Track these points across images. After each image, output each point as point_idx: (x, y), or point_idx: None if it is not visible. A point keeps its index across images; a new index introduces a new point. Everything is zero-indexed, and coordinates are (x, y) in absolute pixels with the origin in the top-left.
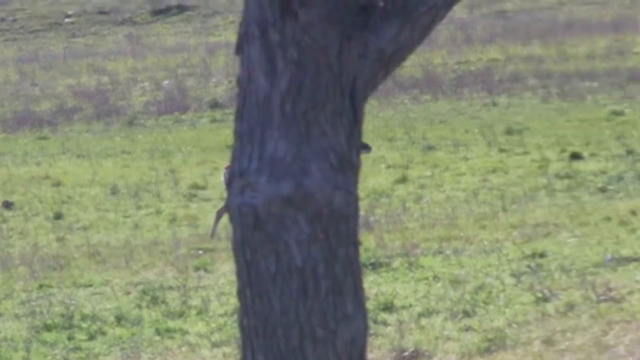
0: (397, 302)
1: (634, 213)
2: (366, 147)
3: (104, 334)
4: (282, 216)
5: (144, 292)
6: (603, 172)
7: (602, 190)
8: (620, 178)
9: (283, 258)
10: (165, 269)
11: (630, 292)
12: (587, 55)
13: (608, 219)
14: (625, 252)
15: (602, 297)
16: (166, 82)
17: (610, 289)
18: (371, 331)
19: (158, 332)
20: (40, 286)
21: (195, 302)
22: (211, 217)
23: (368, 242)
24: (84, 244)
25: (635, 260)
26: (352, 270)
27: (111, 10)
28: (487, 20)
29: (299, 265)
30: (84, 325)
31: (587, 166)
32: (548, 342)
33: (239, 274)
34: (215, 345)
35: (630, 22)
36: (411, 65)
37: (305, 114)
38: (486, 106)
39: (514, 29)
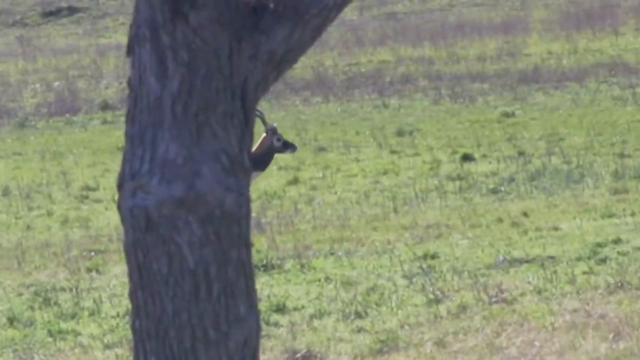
0: (289, 304)
1: (525, 214)
2: (292, 147)
3: None
4: (174, 218)
5: (36, 293)
6: (494, 174)
7: (494, 191)
8: (511, 179)
9: (175, 260)
10: (58, 271)
11: (522, 294)
12: (477, 56)
13: (500, 220)
14: (516, 253)
15: (494, 299)
16: (57, 83)
17: (502, 291)
18: (263, 333)
19: (50, 333)
20: None
21: (88, 303)
22: (103, 219)
23: (260, 243)
24: None
25: (527, 261)
26: (245, 272)
27: (1, 12)
28: (378, 21)
29: (191, 267)
30: None
31: (478, 168)
32: (440, 343)
33: (131, 276)
34: (107, 347)
35: (520, 23)
36: (302, 67)
37: (197, 116)
38: (377, 108)
39: (404, 30)
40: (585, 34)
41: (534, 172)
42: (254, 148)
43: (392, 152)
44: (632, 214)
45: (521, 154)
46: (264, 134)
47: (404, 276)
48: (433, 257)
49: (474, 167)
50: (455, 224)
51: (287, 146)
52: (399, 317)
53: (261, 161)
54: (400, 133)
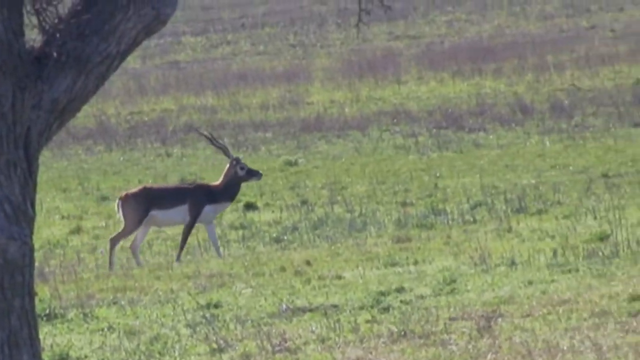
0: (73, 353)
1: (308, 263)
2: (257, 175)
3: None
4: None
5: None
6: (277, 222)
7: (277, 240)
8: (294, 228)
9: None
10: None
11: (306, 343)
12: (260, 105)
13: (283, 269)
14: (300, 302)
15: (277, 348)
16: None
17: (285, 340)
18: None
19: None
20: None
21: None
22: None
23: (43, 292)
24: None
25: (310, 310)
26: (28, 321)
27: None
28: (161, 70)
29: None
30: None
31: (261, 216)
32: None
33: None
34: None
35: (303, 72)
36: (84, 116)
37: None
38: (160, 157)
39: (187, 79)
40: (367, 82)
41: (316, 220)
42: (219, 180)
43: None
44: (415, 263)
45: (304, 202)
46: (228, 165)
47: (187, 325)
48: (216, 306)
49: (257, 216)
50: (238, 273)
51: (252, 174)
52: None
53: (228, 192)
54: (183, 182)
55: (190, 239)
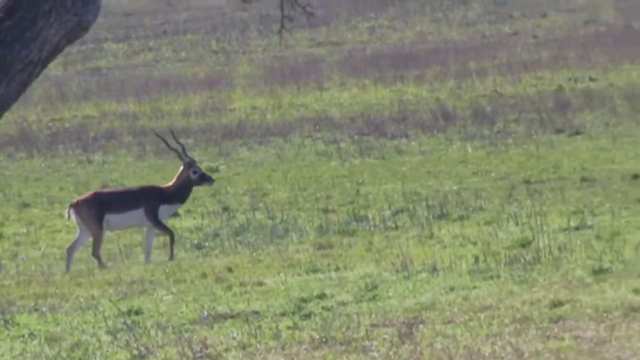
0: None
1: (230, 270)
2: (209, 180)
3: None
4: None
5: None
6: (199, 229)
7: (198, 246)
8: (216, 234)
9: None
10: None
11: (227, 349)
12: (182, 112)
13: (204, 275)
14: (221, 308)
15: (198, 354)
16: None
17: (206, 346)
18: None
19: None
20: None
21: None
22: None
23: None
24: None
25: (231, 316)
26: None
27: None
28: (82, 77)
29: None
30: None
31: (182, 223)
32: None
33: None
34: None
35: (224, 79)
36: (5, 123)
37: None
38: (81, 163)
39: (108, 85)
40: (289, 89)
41: (238, 227)
42: (171, 182)
43: None
44: (337, 269)
45: (225, 209)
46: (181, 167)
47: (108, 332)
48: (137, 312)
49: (178, 223)
50: (159, 280)
51: (204, 179)
52: None
53: (180, 194)
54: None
55: (110, 246)
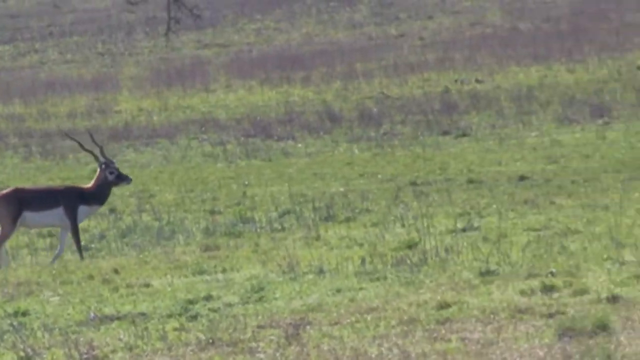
0: None
1: (116, 271)
2: (127, 179)
3: None
4: None
5: None
6: (85, 230)
7: (85, 248)
8: (102, 236)
9: None
10: None
11: (114, 351)
12: (68, 113)
13: (91, 277)
14: (107, 310)
15: (85, 356)
16: None
17: (93, 348)
18: None
19: None
20: None
21: None
22: None
23: None
24: None
25: (118, 318)
26: None
27: None
28: None
29: None
30: None
31: None
32: None
33: None
34: None
35: (110, 80)
36: None
37: None
38: None
39: None
40: (176, 90)
41: (124, 228)
42: (90, 183)
43: None
44: (223, 271)
45: (112, 210)
46: (98, 169)
47: None
48: (24, 314)
49: None
50: (46, 281)
51: (121, 179)
52: None
53: (99, 195)
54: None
55: None
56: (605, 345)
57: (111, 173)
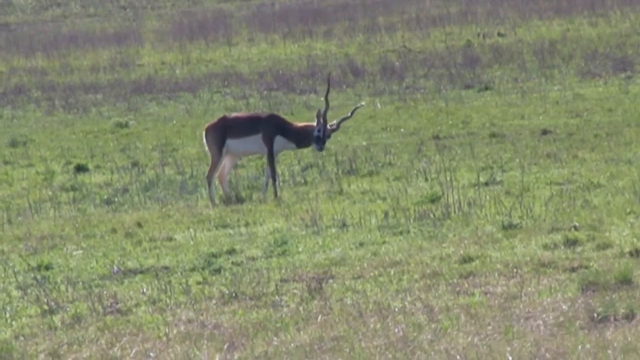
0: None
1: (139, 225)
2: (319, 144)
3: None
4: None
5: None
6: (108, 184)
7: (108, 202)
8: (125, 190)
9: None
10: None
11: (137, 304)
12: (91, 67)
13: (114, 231)
14: (131, 264)
15: (108, 309)
16: None
17: (116, 301)
18: None
19: None
20: None
21: None
22: None
23: None
24: None
25: (141, 272)
26: None
27: None
28: None
29: None
30: None
31: (92, 178)
32: (54, 354)
33: None
34: None
35: (133, 34)
36: None
37: None
38: None
39: (17, 41)
40: (198, 44)
41: (147, 182)
42: (301, 124)
43: (6, 162)
44: (246, 225)
45: (135, 164)
46: (317, 116)
47: (18, 287)
48: (47, 268)
49: (88, 178)
50: (69, 235)
51: (320, 141)
52: (14, 328)
53: (297, 137)
54: (13, 144)
55: (20, 202)
56: (628, 299)
57: (319, 130)
